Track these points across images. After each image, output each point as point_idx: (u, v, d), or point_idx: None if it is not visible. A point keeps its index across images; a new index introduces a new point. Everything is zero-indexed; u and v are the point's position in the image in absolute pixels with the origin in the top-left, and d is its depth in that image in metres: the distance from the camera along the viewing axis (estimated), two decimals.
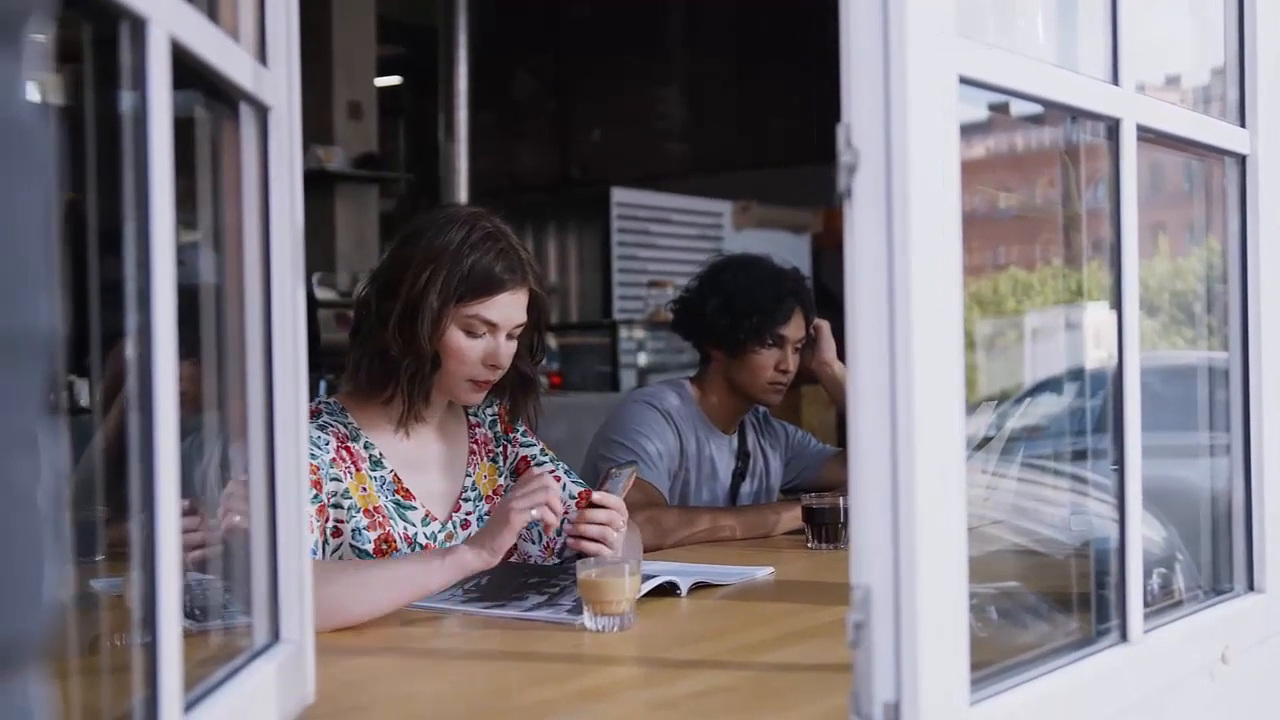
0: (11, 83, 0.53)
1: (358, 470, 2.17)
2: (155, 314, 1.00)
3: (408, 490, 2.22)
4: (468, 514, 2.30)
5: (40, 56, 0.58)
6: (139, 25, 0.98)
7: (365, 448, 2.21)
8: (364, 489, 2.16)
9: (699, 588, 2.16)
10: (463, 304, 2.16)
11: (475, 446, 2.37)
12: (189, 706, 1.08)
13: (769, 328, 2.96)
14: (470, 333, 2.18)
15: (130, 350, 1.01)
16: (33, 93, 0.55)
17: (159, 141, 1.00)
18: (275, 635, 1.36)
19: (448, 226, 2.19)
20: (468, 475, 2.33)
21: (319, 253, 7.22)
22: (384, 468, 2.21)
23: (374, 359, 2.19)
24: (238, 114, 1.32)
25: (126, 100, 1.01)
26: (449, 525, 2.27)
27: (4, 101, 0.53)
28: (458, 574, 1.97)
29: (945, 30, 1.20)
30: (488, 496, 2.34)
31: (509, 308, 2.20)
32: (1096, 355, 1.92)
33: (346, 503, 2.13)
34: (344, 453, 2.16)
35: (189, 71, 1.11)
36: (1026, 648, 1.45)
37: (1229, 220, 1.82)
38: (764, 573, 2.33)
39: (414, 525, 2.20)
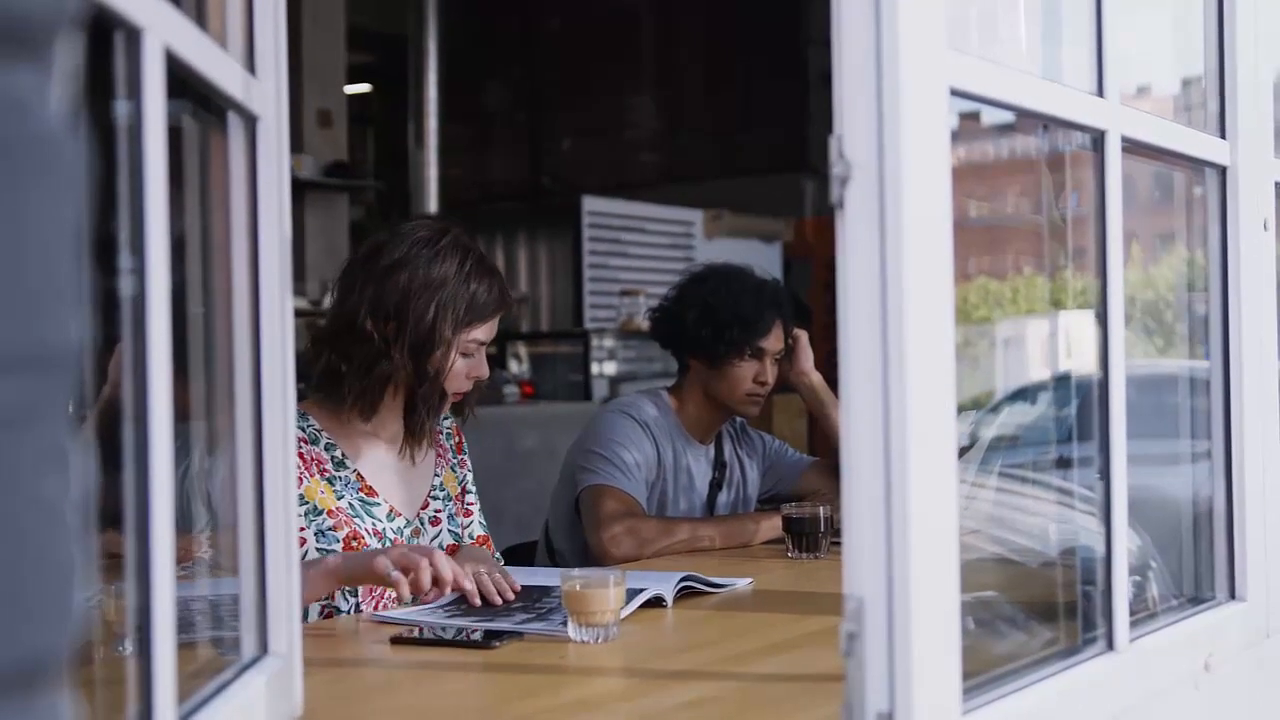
0: (41, 97, 0.53)
1: (312, 475, 2.22)
2: (150, 324, 0.99)
3: (371, 488, 2.29)
4: (437, 511, 2.39)
5: (70, 68, 0.58)
6: (134, 35, 0.97)
7: (326, 449, 2.26)
8: (322, 492, 2.22)
9: (685, 594, 2.17)
10: (467, 330, 2.27)
11: (441, 450, 2.45)
12: None
13: (749, 340, 2.96)
14: (465, 354, 2.29)
15: (124, 359, 1.00)
16: (61, 106, 0.55)
17: (154, 151, 0.99)
18: (264, 648, 1.35)
19: (439, 256, 2.26)
20: (436, 475, 2.41)
21: None
22: (347, 468, 2.27)
23: (378, 384, 2.24)
24: (225, 123, 1.31)
25: (120, 109, 1.00)
26: (416, 521, 2.35)
27: (35, 116, 0.52)
28: (325, 585, 2.02)
29: (937, 43, 1.20)
30: (455, 497, 2.44)
31: (495, 326, 2.34)
32: (1070, 364, 1.93)
33: (303, 507, 2.17)
34: (298, 459, 2.18)
35: (179, 81, 1.10)
36: (1015, 657, 1.46)
37: (1209, 230, 1.84)
38: (744, 583, 2.33)
39: (380, 521, 2.27)
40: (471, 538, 2.40)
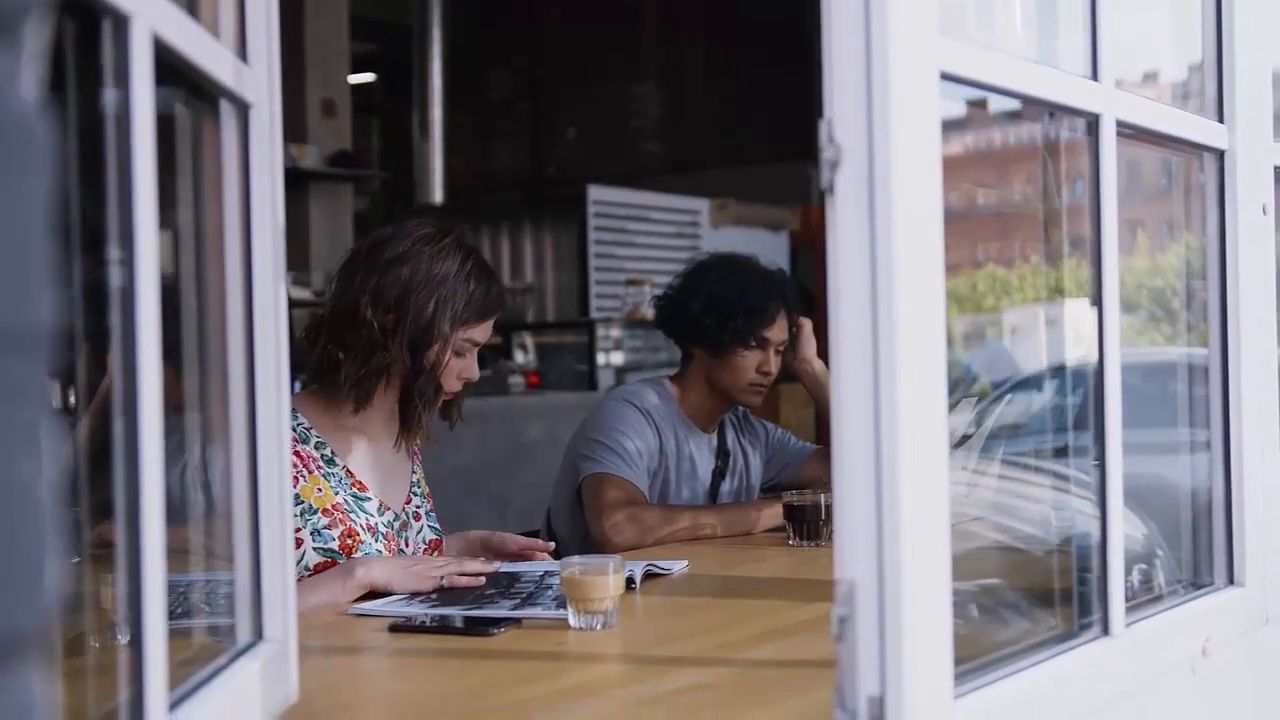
0: (10, 80, 0.53)
1: (310, 472, 2.25)
2: (139, 314, 0.99)
3: (361, 483, 2.32)
4: (417, 507, 2.44)
5: (40, 52, 0.58)
6: (121, 22, 0.98)
7: (316, 448, 2.29)
8: (319, 489, 2.25)
9: (647, 577, 2.22)
10: (464, 329, 2.29)
11: (416, 449, 2.49)
12: (173, 705, 1.08)
13: (753, 330, 2.96)
14: (458, 353, 2.31)
15: (112, 351, 1.01)
16: (32, 89, 0.55)
17: (142, 139, 1.00)
18: (258, 634, 1.35)
19: (441, 254, 2.29)
20: (414, 473, 2.46)
21: (293, 252, 7.14)
22: (337, 465, 2.30)
23: (373, 375, 2.26)
24: (218, 111, 1.32)
25: (108, 97, 1.01)
26: (403, 515, 2.39)
27: (5, 99, 0.52)
28: (358, 590, 2.09)
29: (927, 26, 1.20)
30: (428, 494, 2.49)
31: (490, 329, 2.37)
32: (1075, 352, 1.93)
33: (299, 507, 2.20)
34: (294, 457, 2.20)
35: (169, 68, 1.10)
36: (1009, 642, 1.46)
37: (1208, 216, 1.83)
38: (679, 566, 2.36)
39: (372, 515, 2.30)
40: (424, 542, 2.42)
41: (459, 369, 2.32)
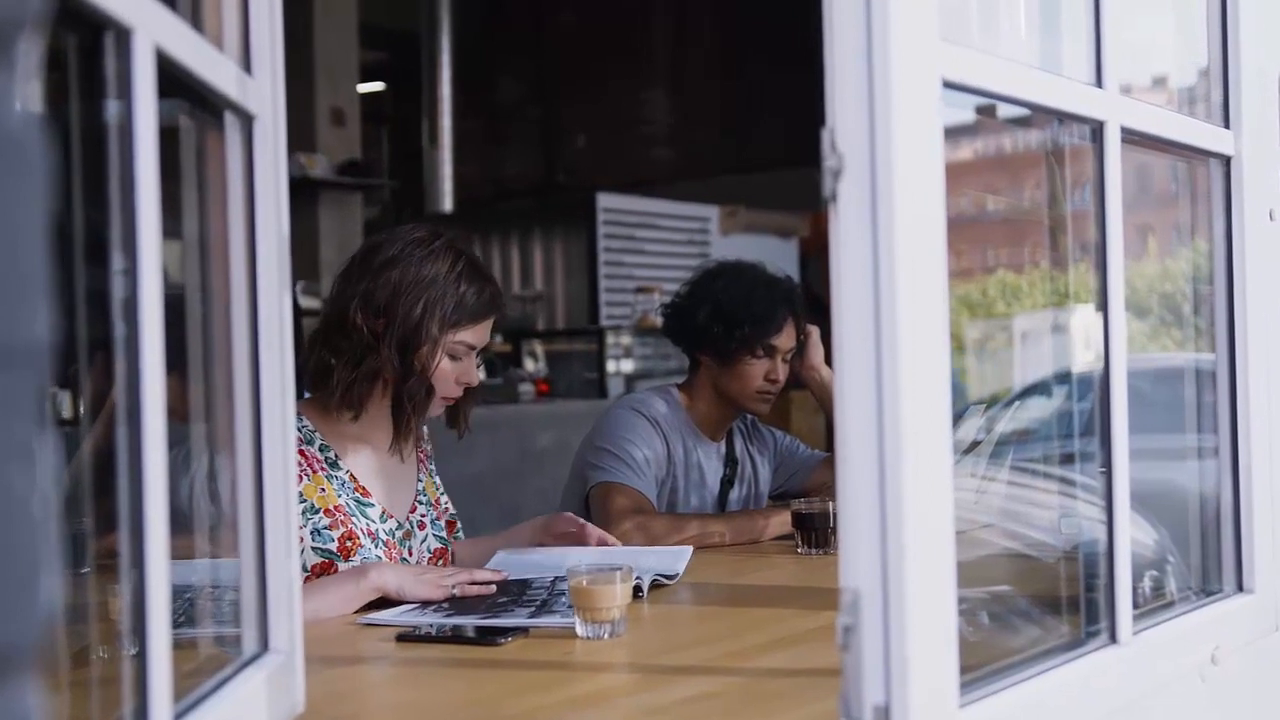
0: (5, 94, 0.53)
1: (314, 472, 2.26)
2: (142, 325, 0.99)
3: (365, 488, 2.32)
4: (422, 516, 2.43)
5: (34, 67, 0.58)
6: (124, 35, 0.98)
7: (321, 450, 2.30)
8: (322, 490, 2.26)
9: (654, 586, 2.21)
10: (454, 331, 2.28)
11: (422, 457, 2.49)
12: (178, 716, 1.08)
13: (760, 338, 2.96)
14: (453, 357, 2.31)
15: (117, 361, 1.01)
16: (27, 103, 0.55)
17: (145, 151, 1.00)
18: (264, 645, 1.35)
19: (431, 256, 2.28)
20: (419, 481, 2.45)
21: (303, 261, 7.20)
22: (341, 469, 2.30)
23: (365, 379, 2.27)
24: (222, 123, 1.32)
25: (111, 109, 1.01)
26: (406, 524, 2.38)
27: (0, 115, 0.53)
28: (371, 594, 2.09)
29: (929, 34, 1.20)
30: (434, 503, 2.47)
31: (487, 332, 2.35)
32: (1085, 358, 1.92)
33: (301, 505, 2.20)
34: (298, 457, 2.21)
35: (173, 80, 1.11)
36: (1017, 650, 1.45)
37: (1214, 221, 1.83)
38: (685, 557, 2.37)
39: (374, 521, 2.30)
40: (429, 551, 2.42)
41: (456, 373, 2.31)
